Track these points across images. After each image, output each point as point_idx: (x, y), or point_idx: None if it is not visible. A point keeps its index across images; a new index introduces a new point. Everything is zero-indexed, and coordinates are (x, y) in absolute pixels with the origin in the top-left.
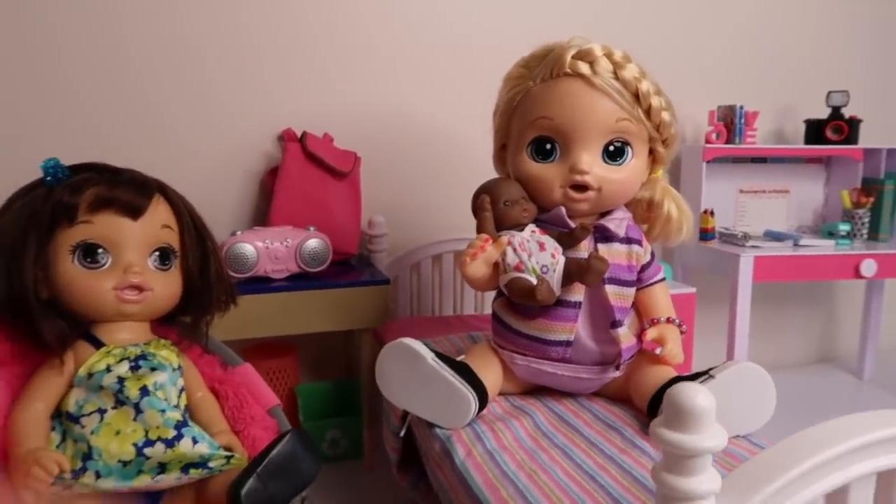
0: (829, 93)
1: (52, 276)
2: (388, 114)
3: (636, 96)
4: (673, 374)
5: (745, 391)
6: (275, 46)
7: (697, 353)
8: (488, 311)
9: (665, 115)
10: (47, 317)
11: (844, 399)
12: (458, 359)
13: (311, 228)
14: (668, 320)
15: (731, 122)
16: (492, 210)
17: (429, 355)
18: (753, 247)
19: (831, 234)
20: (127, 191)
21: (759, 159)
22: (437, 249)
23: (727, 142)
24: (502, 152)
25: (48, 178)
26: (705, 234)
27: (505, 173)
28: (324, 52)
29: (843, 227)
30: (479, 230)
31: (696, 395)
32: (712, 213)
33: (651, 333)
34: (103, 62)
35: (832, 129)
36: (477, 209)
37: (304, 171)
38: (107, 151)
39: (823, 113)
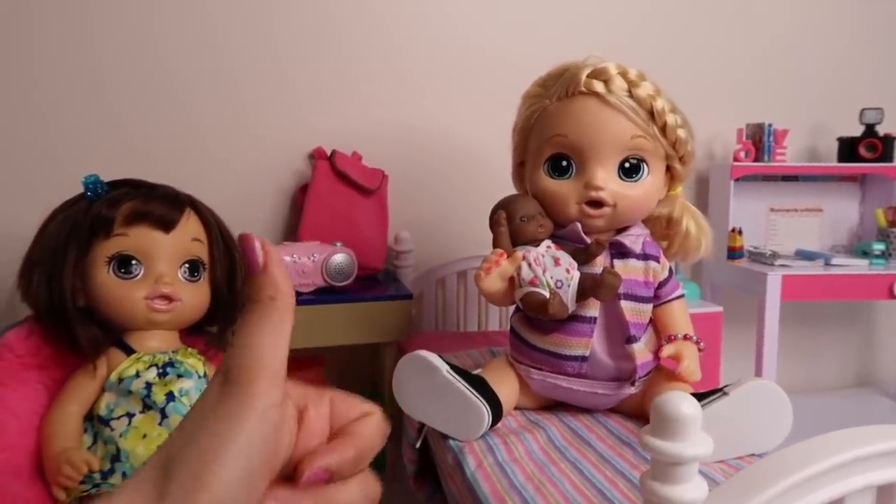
0: (863, 110)
1: (88, 285)
2: (415, 133)
3: (651, 114)
4: (689, 390)
5: (760, 409)
6: (307, 69)
7: (725, 374)
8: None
9: (681, 133)
10: (83, 324)
11: (882, 423)
12: (474, 372)
13: (338, 244)
14: (686, 337)
15: (759, 140)
16: (508, 226)
17: (444, 367)
18: (782, 265)
19: (866, 254)
20: (160, 205)
21: (791, 177)
22: (462, 266)
23: (756, 160)
24: (520, 169)
25: (88, 193)
26: (734, 253)
27: (523, 190)
28: (354, 74)
29: (878, 247)
30: (495, 245)
31: (681, 404)
32: (740, 232)
33: (667, 350)
34: (142, 84)
35: (866, 146)
36: (493, 224)
37: (333, 189)
38: (145, 168)
39: (857, 130)
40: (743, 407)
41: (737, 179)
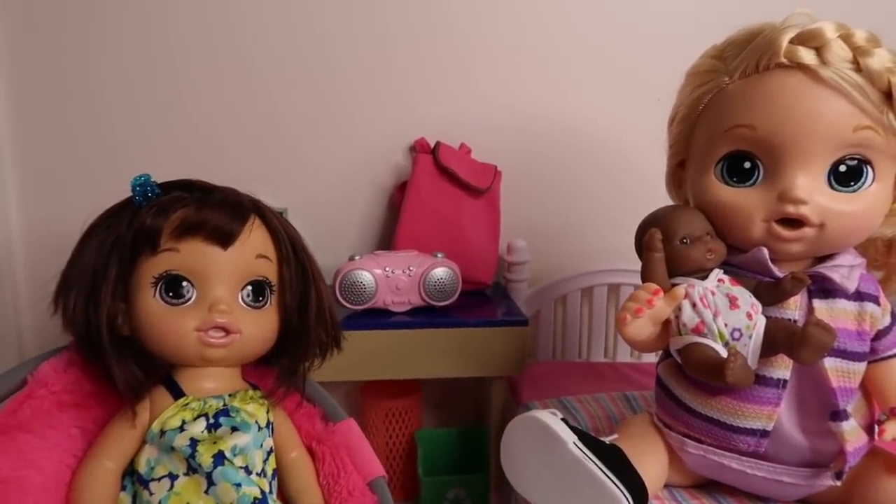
0: None
1: (133, 311)
2: (535, 120)
3: (888, 95)
4: None
5: None
6: (409, 45)
7: None
8: (648, 358)
9: None
10: (121, 360)
11: None
12: (609, 439)
13: (439, 255)
14: None
15: None
16: (664, 249)
17: (570, 439)
18: None
19: None
20: (217, 213)
21: None
22: (588, 281)
23: None
24: (679, 171)
25: (137, 197)
26: None
27: (682, 199)
28: (463, 51)
29: None
30: (646, 277)
31: None
32: None
33: (891, 430)
34: (218, 65)
35: None
36: (644, 247)
37: (436, 187)
38: (219, 164)
39: None
40: None
41: None
